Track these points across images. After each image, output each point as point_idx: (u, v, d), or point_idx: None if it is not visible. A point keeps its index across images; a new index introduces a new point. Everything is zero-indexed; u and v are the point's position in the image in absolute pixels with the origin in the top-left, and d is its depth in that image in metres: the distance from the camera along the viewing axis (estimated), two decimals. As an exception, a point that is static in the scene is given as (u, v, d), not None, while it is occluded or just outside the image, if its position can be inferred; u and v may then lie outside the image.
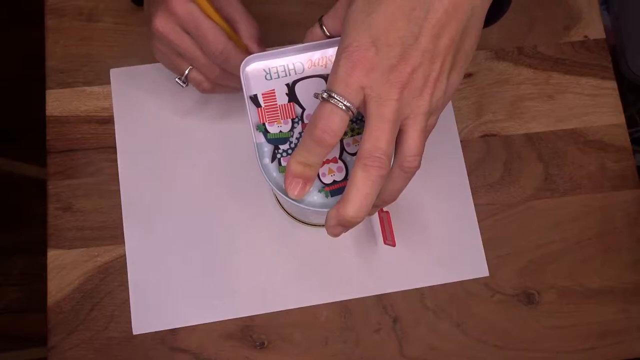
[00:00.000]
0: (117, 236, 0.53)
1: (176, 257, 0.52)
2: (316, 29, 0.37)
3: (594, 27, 0.59)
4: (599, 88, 0.58)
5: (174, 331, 0.51)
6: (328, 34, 0.37)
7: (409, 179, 0.34)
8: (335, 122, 0.31)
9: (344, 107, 0.31)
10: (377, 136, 0.31)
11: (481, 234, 0.54)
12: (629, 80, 0.92)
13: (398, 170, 0.33)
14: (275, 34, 0.56)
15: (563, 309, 0.53)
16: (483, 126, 0.57)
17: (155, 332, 0.51)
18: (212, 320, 0.51)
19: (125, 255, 0.52)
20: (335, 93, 0.31)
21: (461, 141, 0.56)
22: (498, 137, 0.56)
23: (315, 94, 0.33)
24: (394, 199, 0.36)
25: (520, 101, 0.57)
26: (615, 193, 0.56)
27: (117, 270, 0.52)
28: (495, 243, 0.54)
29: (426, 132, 0.33)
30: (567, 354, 0.53)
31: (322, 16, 0.37)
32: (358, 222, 0.33)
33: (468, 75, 0.58)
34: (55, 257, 0.52)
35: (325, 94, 0.32)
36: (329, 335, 0.52)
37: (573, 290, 0.54)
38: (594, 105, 0.58)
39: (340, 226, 0.33)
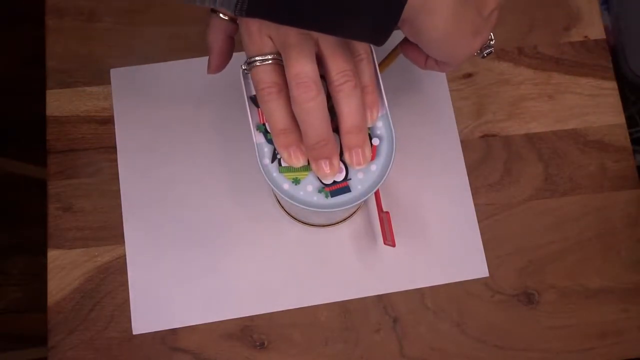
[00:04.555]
0: (117, 236, 0.53)
1: (176, 257, 0.52)
2: (214, 19, 0.37)
3: (594, 27, 0.59)
4: (599, 88, 0.58)
5: (174, 331, 0.51)
6: (226, 17, 0.37)
7: (353, 96, 0.33)
8: (269, 77, 0.33)
9: (269, 61, 0.33)
10: (293, 64, 0.32)
11: (481, 234, 0.54)
12: (629, 81, 0.92)
13: (335, 94, 0.33)
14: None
15: (563, 309, 0.53)
16: (483, 126, 0.57)
17: (155, 332, 0.51)
18: (212, 320, 0.51)
19: (125, 255, 0.52)
20: (251, 57, 0.33)
21: (461, 141, 0.56)
22: (498, 137, 0.56)
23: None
24: (358, 120, 0.34)
25: (520, 101, 0.57)
26: (615, 193, 0.56)
27: (117, 270, 0.52)
28: (495, 243, 0.54)
29: (342, 47, 0.33)
30: (567, 354, 0.53)
31: (212, 6, 0.38)
32: (329, 148, 0.34)
33: (468, 76, 0.57)
34: (55, 257, 0.52)
35: (245, 64, 0.34)
36: (329, 335, 0.52)
37: (573, 290, 0.54)
38: (594, 105, 0.58)
39: (321, 159, 0.34)
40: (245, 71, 0.34)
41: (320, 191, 0.36)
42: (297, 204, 0.36)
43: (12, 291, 1.21)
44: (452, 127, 0.56)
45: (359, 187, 0.36)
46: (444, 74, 0.57)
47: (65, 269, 0.52)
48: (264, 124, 0.37)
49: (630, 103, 0.98)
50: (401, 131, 0.55)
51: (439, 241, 0.54)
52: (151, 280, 0.52)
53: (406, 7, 0.29)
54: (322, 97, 0.33)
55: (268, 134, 0.36)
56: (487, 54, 0.39)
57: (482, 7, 0.34)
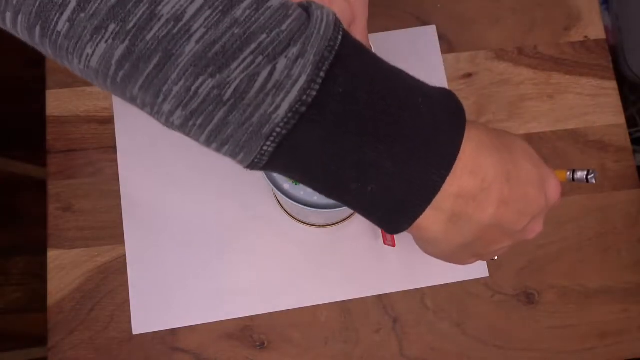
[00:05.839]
0: (117, 236, 0.53)
1: (176, 257, 0.52)
2: None
3: (594, 27, 0.59)
4: (599, 88, 0.58)
5: (174, 331, 0.51)
6: None
7: None
8: None
9: None
10: None
11: (481, 234, 0.54)
12: (629, 80, 0.92)
13: None
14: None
15: (563, 309, 0.53)
16: (483, 126, 0.56)
17: (155, 332, 0.51)
18: (212, 320, 0.51)
19: (125, 255, 0.52)
20: None
21: (461, 141, 0.56)
22: (498, 137, 0.56)
23: None
24: None
25: (520, 101, 0.57)
26: (615, 193, 0.56)
27: (117, 270, 0.52)
28: (495, 243, 0.54)
29: None
30: (567, 354, 0.53)
31: None
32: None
33: (468, 76, 0.57)
34: (55, 257, 0.52)
35: None
36: (329, 335, 0.52)
37: (573, 290, 0.54)
38: (594, 105, 0.58)
39: None
40: None
41: (320, 191, 0.36)
42: (297, 204, 0.36)
43: (12, 291, 1.21)
44: (452, 127, 0.56)
45: (359, 187, 0.36)
46: (443, 73, 0.57)
47: (65, 269, 0.52)
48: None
49: (630, 103, 0.98)
50: (401, 131, 0.55)
51: (439, 241, 0.53)
52: (151, 280, 0.52)
53: (409, 230, 0.28)
54: None
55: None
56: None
57: (491, 244, 0.30)
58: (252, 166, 0.25)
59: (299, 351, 0.51)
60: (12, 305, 1.20)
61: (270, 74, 0.22)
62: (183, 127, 0.25)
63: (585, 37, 0.59)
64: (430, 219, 0.27)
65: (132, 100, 0.24)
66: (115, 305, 0.52)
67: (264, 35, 0.22)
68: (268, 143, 0.23)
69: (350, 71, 0.24)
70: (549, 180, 0.31)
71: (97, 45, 0.22)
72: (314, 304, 0.52)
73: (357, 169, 0.25)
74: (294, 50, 0.23)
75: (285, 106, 0.23)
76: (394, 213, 0.27)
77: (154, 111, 0.24)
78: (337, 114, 0.24)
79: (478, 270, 0.53)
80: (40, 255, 0.54)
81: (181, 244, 0.53)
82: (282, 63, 0.22)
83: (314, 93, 0.23)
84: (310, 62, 0.23)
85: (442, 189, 0.26)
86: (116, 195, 0.54)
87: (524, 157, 0.29)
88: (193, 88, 0.22)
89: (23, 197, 1.21)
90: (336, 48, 0.23)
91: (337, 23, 0.24)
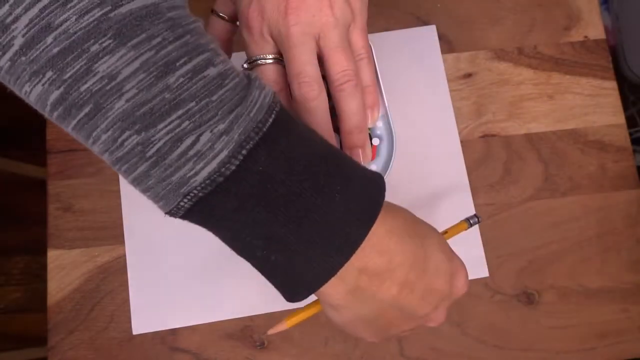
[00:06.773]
0: (117, 236, 0.53)
1: (176, 257, 0.52)
2: (213, 20, 0.38)
3: (594, 27, 0.59)
4: (599, 88, 0.58)
5: (174, 331, 0.51)
6: (226, 17, 0.38)
7: (354, 96, 0.34)
8: (270, 76, 0.33)
9: (270, 61, 0.33)
10: (295, 64, 0.32)
11: (481, 234, 0.54)
12: (629, 80, 0.92)
13: (337, 93, 0.33)
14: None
15: (563, 309, 0.53)
16: (483, 126, 0.57)
17: (155, 332, 0.51)
18: (212, 320, 0.51)
19: (125, 255, 0.52)
20: (252, 56, 0.33)
21: (461, 141, 0.56)
22: (498, 137, 0.56)
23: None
24: (359, 120, 0.34)
25: (520, 101, 0.57)
26: (615, 193, 0.56)
27: (117, 270, 0.52)
28: (495, 243, 0.54)
29: (344, 46, 0.33)
30: (567, 354, 0.53)
31: (212, 7, 0.39)
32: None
33: (468, 76, 0.57)
34: (55, 257, 0.52)
35: (247, 64, 0.34)
36: (329, 335, 0.52)
37: (573, 290, 0.54)
38: (594, 105, 0.58)
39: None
40: (245, 71, 0.34)
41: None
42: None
43: (12, 291, 1.21)
44: (452, 127, 0.56)
45: (359, 187, 0.36)
46: (443, 73, 0.57)
47: (65, 269, 0.52)
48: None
49: (630, 103, 0.98)
50: (401, 131, 0.55)
51: (439, 241, 0.53)
52: (151, 280, 0.52)
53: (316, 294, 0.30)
54: (324, 97, 0.33)
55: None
56: None
57: (391, 326, 0.32)
58: (170, 214, 0.26)
59: (299, 351, 0.51)
60: (12, 305, 1.20)
61: (194, 142, 0.24)
62: (113, 166, 0.26)
63: (585, 37, 0.59)
64: (334, 287, 0.29)
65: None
66: (115, 305, 0.52)
67: (193, 103, 0.24)
68: (185, 200, 0.25)
69: (274, 153, 0.25)
70: (459, 274, 0.33)
71: (34, 86, 0.23)
72: (314, 304, 0.52)
73: (263, 240, 0.27)
74: (220, 127, 0.24)
75: (204, 174, 0.24)
76: (292, 283, 0.29)
77: (89, 147, 0.26)
78: (253, 188, 0.25)
79: (478, 270, 0.53)
80: (40, 255, 0.54)
81: (181, 244, 0.53)
82: (206, 136, 0.24)
83: (233, 167, 0.24)
84: (234, 140, 0.24)
85: (349, 262, 0.27)
86: (116, 195, 0.54)
87: (437, 248, 0.32)
88: (119, 140, 0.24)
89: (23, 197, 1.21)
90: (264, 130, 0.25)
91: (272, 106, 0.26)
